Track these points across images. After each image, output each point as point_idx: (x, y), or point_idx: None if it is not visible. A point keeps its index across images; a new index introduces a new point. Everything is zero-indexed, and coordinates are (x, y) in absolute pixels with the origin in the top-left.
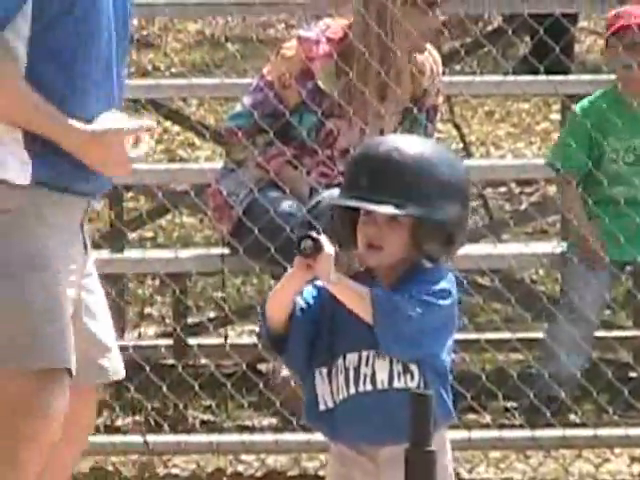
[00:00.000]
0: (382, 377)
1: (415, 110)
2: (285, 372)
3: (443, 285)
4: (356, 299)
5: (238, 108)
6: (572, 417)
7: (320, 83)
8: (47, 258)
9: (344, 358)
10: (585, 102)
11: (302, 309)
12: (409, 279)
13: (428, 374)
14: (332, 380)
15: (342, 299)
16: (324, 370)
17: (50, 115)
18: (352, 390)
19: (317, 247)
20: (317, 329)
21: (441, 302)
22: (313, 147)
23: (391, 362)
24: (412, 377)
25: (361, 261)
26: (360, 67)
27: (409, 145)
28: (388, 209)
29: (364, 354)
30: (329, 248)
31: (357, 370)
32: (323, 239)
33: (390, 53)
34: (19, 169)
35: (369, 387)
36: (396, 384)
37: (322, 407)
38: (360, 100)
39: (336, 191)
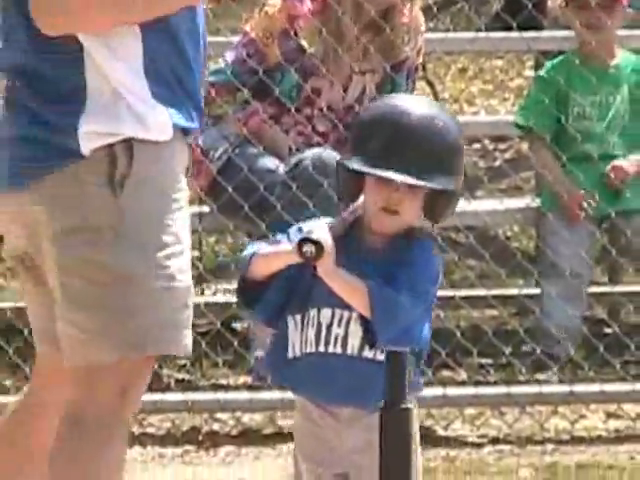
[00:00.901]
0: (353, 342)
1: (392, 71)
2: (260, 352)
3: (433, 268)
4: (353, 293)
5: (220, 64)
6: (549, 374)
7: (303, 41)
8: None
9: (319, 311)
10: (550, 64)
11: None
12: (397, 250)
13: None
14: (304, 328)
15: (339, 292)
16: (298, 317)
17: None
18: (321, 348)
19: (319, 251)
20: (299, 275)
21: (431, 288)
22: (293, 106)
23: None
24: (382, 350)
25: (373, 223)
26: (341, 25)
27: (425, 111)
28: (420, 182)
29: (337, 312)
30: (329, 246)
31: (329, 328)
32: (323, 237)
33: (363, 11)
34: (134, 122)
35: (339, 350)
36: (366, 353)
37: (290, 354)
38: (342, 59)
39: (319, 151)
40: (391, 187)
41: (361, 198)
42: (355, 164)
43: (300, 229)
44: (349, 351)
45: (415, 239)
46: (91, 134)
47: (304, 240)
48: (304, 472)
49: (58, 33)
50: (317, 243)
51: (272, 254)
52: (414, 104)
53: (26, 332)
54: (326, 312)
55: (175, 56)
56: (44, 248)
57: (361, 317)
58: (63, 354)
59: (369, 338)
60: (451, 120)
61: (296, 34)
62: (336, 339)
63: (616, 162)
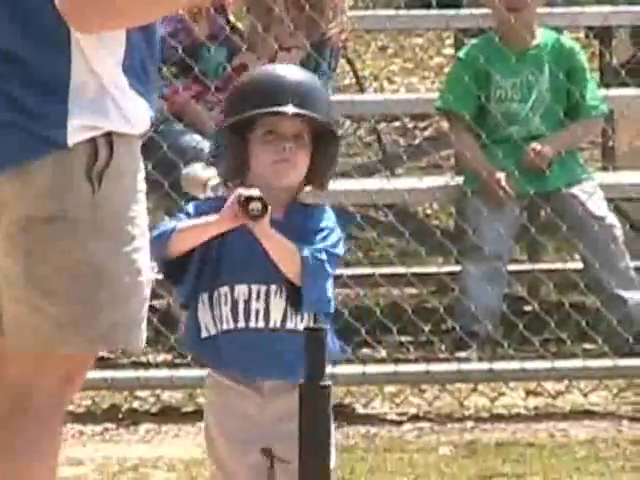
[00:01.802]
0: (276, 317)
1: (316, 47)
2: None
3: (337, 231)
4: (287, 256)
5: None
6: (468, 352)
7: (231, 17)
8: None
9: (232, 288)
10: (469, 45)
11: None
12: (300, 217)
13: (320, 315)
14: (214, 307)
15: (272, 253)
16: (205, 295)
17: None
18: (241, 324)
19: (264, 208)
20: (205, 255)
21: (341, 250)
22: (218, 84)
23: (286, 302)
24: (302, 318)
25: (267, 181)
26: (266, 4)
27: (296, 71)
28: (305, 111)
29: (254, 287)
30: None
31: (247, 303)
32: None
33: None
34: (119, 117)
35: (261, 324)
36: (288, 324)
37: (204, 334)
38: (269, 35)
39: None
40: (279, 141)
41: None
42: (245, 113)
43: (197, 206)
44: (272, 325)
45: (312, 206)
46: (78, 127)
47: (249, 198)
48: (225, 452)
49: (91, 32)
50: (261, 200)
51: (198, 225)
52: (285, 67)
53: None
54: (241, 288)
55: (146, 48)
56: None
57: (286, 282)
58: (11, 336)
59: (293, 303)
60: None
61: (224, 10)
62: (257, 313)
63: (535, 145)
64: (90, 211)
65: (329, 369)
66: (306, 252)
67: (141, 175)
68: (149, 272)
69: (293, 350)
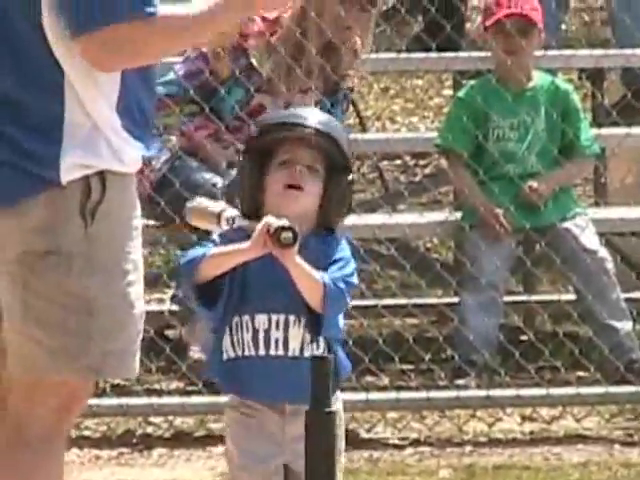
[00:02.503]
0: (294, 345)
1: (331, 89)
2: (197, 355)
3: (352, 262)
4: (311, 285)
5: (170, 75)
6: (467, 379)
7: (253, 60)
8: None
9: (252, 317)
10: (468, 85)
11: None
12: (312, 244)
13: (333, 343)
14: (233, 333)
15: (298, 281)
16: (231, 325)
17: (201, 14)
18: (262, 352)
19: (295, 238)
20: (231, 280)
21: (356, 281)
22: (236, 124)
23: (305, 330)
24: (318, 346)
25: (280, 207)
26: (293, 48)
27: (316, 113)
28: (324, 128)
29: (274, 317)
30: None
31: (267, 333)
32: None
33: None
34: (112, 157)
35: (280, 352)
36: (307, 353)
37: (225, 357)
38: (294, 78)
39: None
40: (291, 165)
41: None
42: (265, 135)
43: (221, 235)
44: (291, 353)
45: (324, 234)
46: (71, 165)
47: (281, 228)
48: (244, 469)
49: (112, 70)
50: (292, 229)
51: (228, 252)
52: (306, 110)
53: None
54: (261, 317)
55: (142, 87)
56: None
57: (306, 310)
58: (9, 364)
59: (312, 329)
60: (342, 129)
61: (246, 52)
62: (277, 342)
63: (531, 183)
64: (83, 246)
65: (339, 392)
66: (328, 280)
67: (136, 212)
68: (142, 305)
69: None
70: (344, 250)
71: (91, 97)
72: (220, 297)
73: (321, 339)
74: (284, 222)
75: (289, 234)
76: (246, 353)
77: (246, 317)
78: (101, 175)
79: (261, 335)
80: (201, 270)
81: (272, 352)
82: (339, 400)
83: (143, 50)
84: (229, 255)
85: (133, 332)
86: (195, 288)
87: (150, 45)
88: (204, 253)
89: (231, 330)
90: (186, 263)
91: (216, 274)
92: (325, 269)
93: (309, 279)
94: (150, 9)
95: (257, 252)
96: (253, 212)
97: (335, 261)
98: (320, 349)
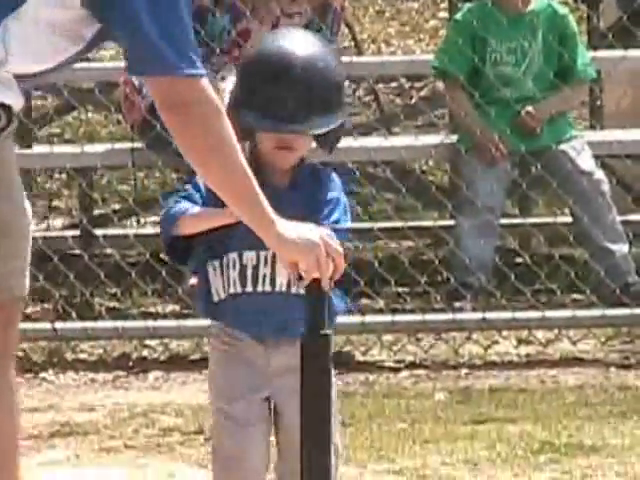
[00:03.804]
0: (281, 280)
1: (318, 13)
2: (193, 280)
3: (344, 200)
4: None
5: None
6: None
7: None
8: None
9: (240, 255)
10: (465, 8)
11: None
12: (301, 183)
13: None
14: (224, 272)
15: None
16: (216, 263)
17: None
18: (249, 288)
19: None
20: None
21: (347, 221)
22: (223, 47)
23: None
24: None
25: (270, 160)
26: None
27: (306, 53)
28: (310, 129)
29: (262, 254)
30: None
31: (255, 269)
32: None
33: None
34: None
35: (268, 288)
36: (294, 289)
37: (215, 298)
38: (271, 1)
39: None
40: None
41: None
42: (249, 121)
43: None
44: (277, 288)
45: (319, 172)
46: None
47: None
48: (228, 400)
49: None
50: None
51: (204, 215)
52: (295, 47)
53: None
54: (249, 254)
55: None
56: None
57: None
58: None
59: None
60: (331, 57)
61: None
62: (264, 278)
63: (529, 108)
64: None
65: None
66: None
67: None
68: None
69: (300, 312)
70: (335, 189)
71: None
72: (190, 254)
73: None
74: None
75: None
76: (231, 290)
77: (233, 255)
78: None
79: (249, 272)
80: (177, 227)
81: (259, 288)
82: None
83: (202, 124)
84: (207, 218)
85: (27, 250)
86: (167, 241)
87: (208, 123)
88: (184, 211)
89: (221, 269)
90: (166, 217)
91: (192, 232)
92: (316, 212)
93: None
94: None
95: (232, 218)
96: (248, 161)
97: (326, 202)
98: None
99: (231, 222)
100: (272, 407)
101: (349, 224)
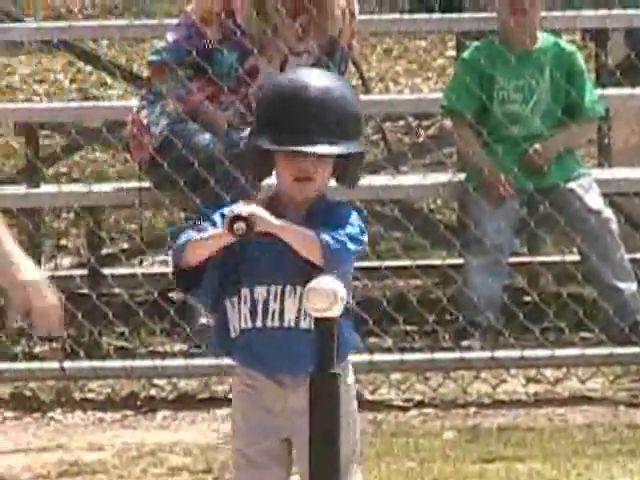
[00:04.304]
0: (290, 316)
1: (326, 52)
2: (203, 319)
3: (358, 227)
4: (305, 241)
5: (162, 43)
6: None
7: (240, 21)
8: None
9: (251, 290)
10: (472, 48)
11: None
12: (317, 213)
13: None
14: (238, 308)
15: (292, 243)
16: (234, 299)
17: None
18: (259, 323)
19: (249, 227)
20: (224, 261)
21: (358, 245)
22: (231, 85)
23: (300, 302)
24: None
25: (289, 194)
26: (269, 8)
27: (322, 84)
28: (327, 149)
29: (272, 289)
30: (259, 211)
31: (265, 304)
32: (251, 210)
33: None
34: None
35: (277, 323)
36: (302, 324)
37: (232, 335)
38: (279, 39)
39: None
40: (300, 158)
41: (273, 176)
42: (266, 144)
43: (222, 214)
44: (286, 324)
45: (334, 205)
46: None
47: (234, 218)
48: (247, 441)
49: None
50: (247, 219)
51: (204, 239)
52: (311, 77)
53: None
54: (260, 289)
55: None
56: None
57: (304, 280)
58: None
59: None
60: (346, 89)
61: (233, 15)
62: (273, 314)
63: (537, 146)
64: None
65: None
66: (326, 235)
67: None
68: None
69: (308, 347)
70: (350, 216)
71: None
72: (200, 283)
73: None
74: (243, 210)
75: (241, 225)
76: (243, 326)
77: (246, 290)
78: None
79: (260, 307)
80: (183, 257)
81: (269, 323)
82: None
83: None
84: (206, 242)
85: None
86: (176, 273)
87: None
88: (190, 238)
89: (237, 306)
90: (174, 248)
91: (198, 260)
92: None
93: (302, 236)
94: None
95: (227, 239)
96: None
97: (339, 225)
98: None
99: (228, 242)
100: (292, 447)
101: (363, 240)
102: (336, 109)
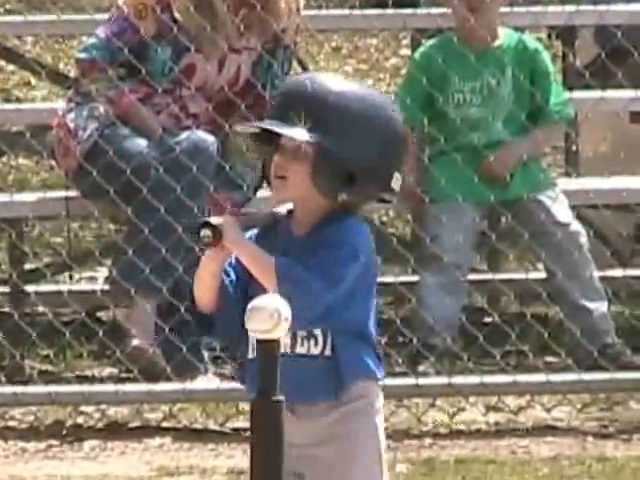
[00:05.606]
0: (284, 341)
1: (268, 49)
2: (136, 341)
3: (348, 247)
4: (262, 268)
5: (91, 40)
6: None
7: (177, 14)
8: None
9: None
10: (425, 47)
11: (231, 281)
12: (320, 230)
13: (339, 338)
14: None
15: (249, 267)
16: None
17: None
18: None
19: (216, 233)
20: (243, 290)
21: (347, 268)
22: (166, 83)
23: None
24: (316, 342)
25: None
26: (212, 2)
27: (330, 79)
28: (296, 132)
29: None
30: (228, 222)
31: None
32: (220, 219)
33: None
34: None
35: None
36: (298, 349)
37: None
38: (217, 35)
39: (193, 134)
40: (281, 152)
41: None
42: (245, 127)
43: (230, 263)
44: (282, 350)
45: (338, 221)
46: None
47: (202, 225)
48: None
49: None
50: (214, 227)
51: (200, 264)
52: (323, 75)
53: None
54: None
55: None
56: None
57: None
58: None
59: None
60: (370, 98)
61: (170, 8)
62: None
63: (497, 154)
64: None
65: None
66: (280, 263)
67: None
68: None
69: (308, 373)
70: (344, 234)
71: None
72: (219, 320)
73: (318, 334)
74: (212, 218)
75: (207, 232)
76: (250, 355)
77: None
78: None
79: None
80: (195, 293)
81: None
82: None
83: None
84: (201, 268)
85: None
86: (194, 315)
87: None
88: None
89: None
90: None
91: (209, 293)
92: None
93: (256, 259)
94: None
95: (216, 256)
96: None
97: (327, 245)
98: (318, 347)
99: (216, 262)
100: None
101: (318, 284)
102: (340, 104)
